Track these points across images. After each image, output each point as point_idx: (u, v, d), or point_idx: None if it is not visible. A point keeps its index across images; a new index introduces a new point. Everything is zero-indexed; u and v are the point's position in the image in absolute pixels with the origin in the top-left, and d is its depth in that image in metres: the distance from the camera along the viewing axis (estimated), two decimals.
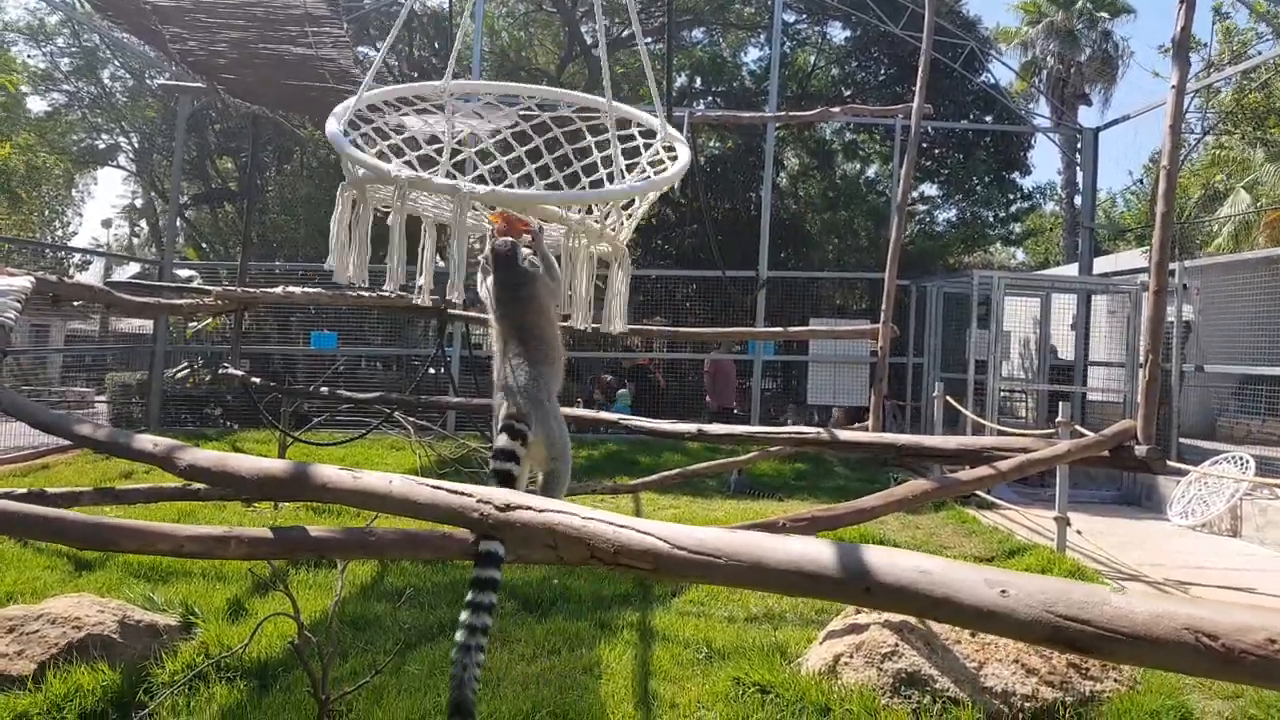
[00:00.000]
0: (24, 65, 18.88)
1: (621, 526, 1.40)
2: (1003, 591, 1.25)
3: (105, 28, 14.54)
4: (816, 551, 1.29)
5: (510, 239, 2.56)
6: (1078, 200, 15.42)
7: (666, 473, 5.77)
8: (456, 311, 6.66)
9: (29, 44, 19.11)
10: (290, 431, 8.07)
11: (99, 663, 3.63)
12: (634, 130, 3.23)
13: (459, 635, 2.03)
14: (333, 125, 2.60)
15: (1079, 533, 6.76)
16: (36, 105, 19.69)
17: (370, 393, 9.17)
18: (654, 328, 11.08)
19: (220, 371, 7.80)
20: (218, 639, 4.05)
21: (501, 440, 2.21)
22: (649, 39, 19.51)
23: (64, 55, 19.15)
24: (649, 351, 14.41)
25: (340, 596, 3.59)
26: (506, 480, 2.14)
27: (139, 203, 24.01)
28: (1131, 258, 13.60)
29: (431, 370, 10.32)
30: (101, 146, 20.82)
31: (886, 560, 1.27)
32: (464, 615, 2.01)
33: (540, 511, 1.47)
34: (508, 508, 1.50)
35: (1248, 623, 1.05)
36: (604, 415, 5.31)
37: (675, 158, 2.90)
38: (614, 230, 2.68)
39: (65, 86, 19.40)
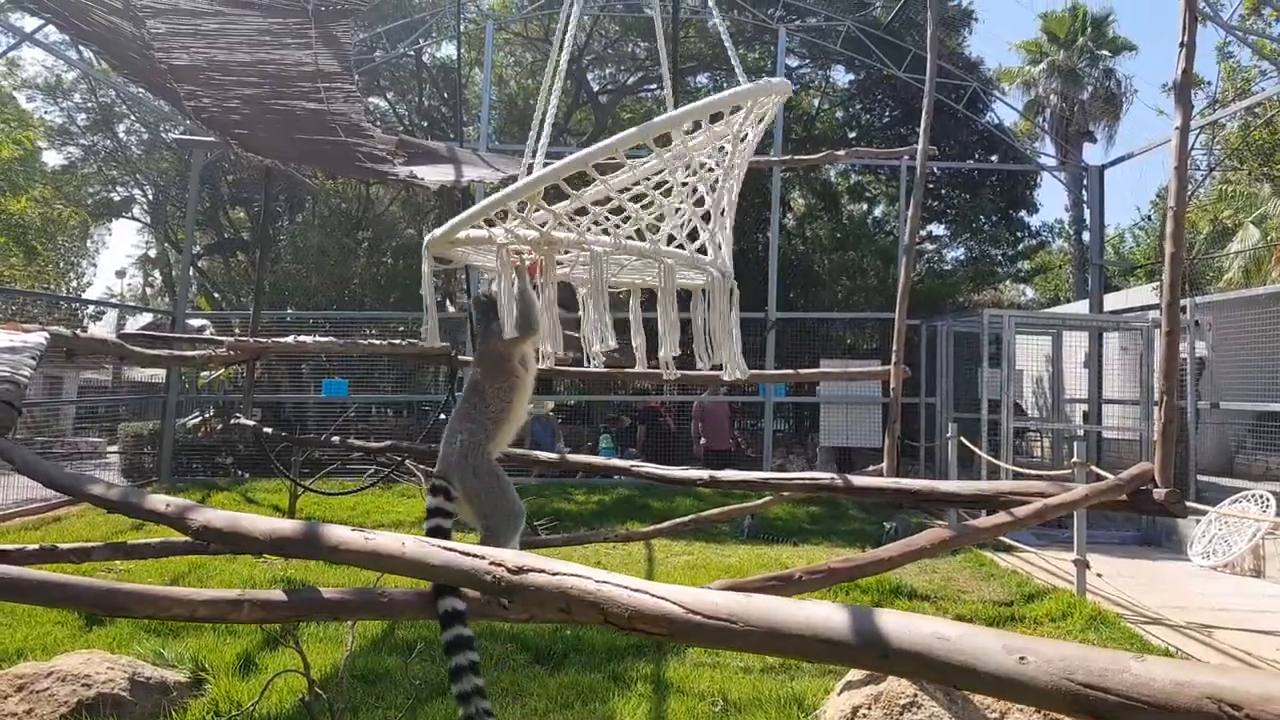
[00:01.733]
0: (41, 121, 19.32)
1: (636, 591, 1.39)
2: (1021, 659, 1.23)
3: (121, 83, 14.86)
4: (832, 617, 1.27)
5: (487, 292, 2.55)
6: (1086, 237, 15.44)
7: (678, 520, 5.72)
8: (467, 358, 6.68)
9: (46, 100, 19.56)
10: (301, 482, 8.07)
11: None
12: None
13: (461, 711, 2.04)
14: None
15: (1099, 575, 6.66)
16: (53, 159, 20.09)
17: (381, 439, 9.17)
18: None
19: (232, 421, 7.83)
20: (228, 695, 4.01)
21: (429, 500, 2.31)
22: (654, 85, 19.81)
23: (80, 110, 19.56)
24: (659, 394, 14.40)
25: (351, 651, 3.56)
26: (438, 534, 2.20)
27: (153, 253, 24.35)
28: (1143, 294, 13.57)
29: (443, 416, 10.32)
30: (116, 199, 21.16)
31: (904, 626, 1.25)
32: (454, 686, 2.03)
33: (554, 575, 1.46)
34: (520, 570, 1.49)
35: (1272, 692, 1.02)
36: (614, 462, 5.28)
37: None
38: (707, 251, 2.44)
39: (81, 140, 19.78)
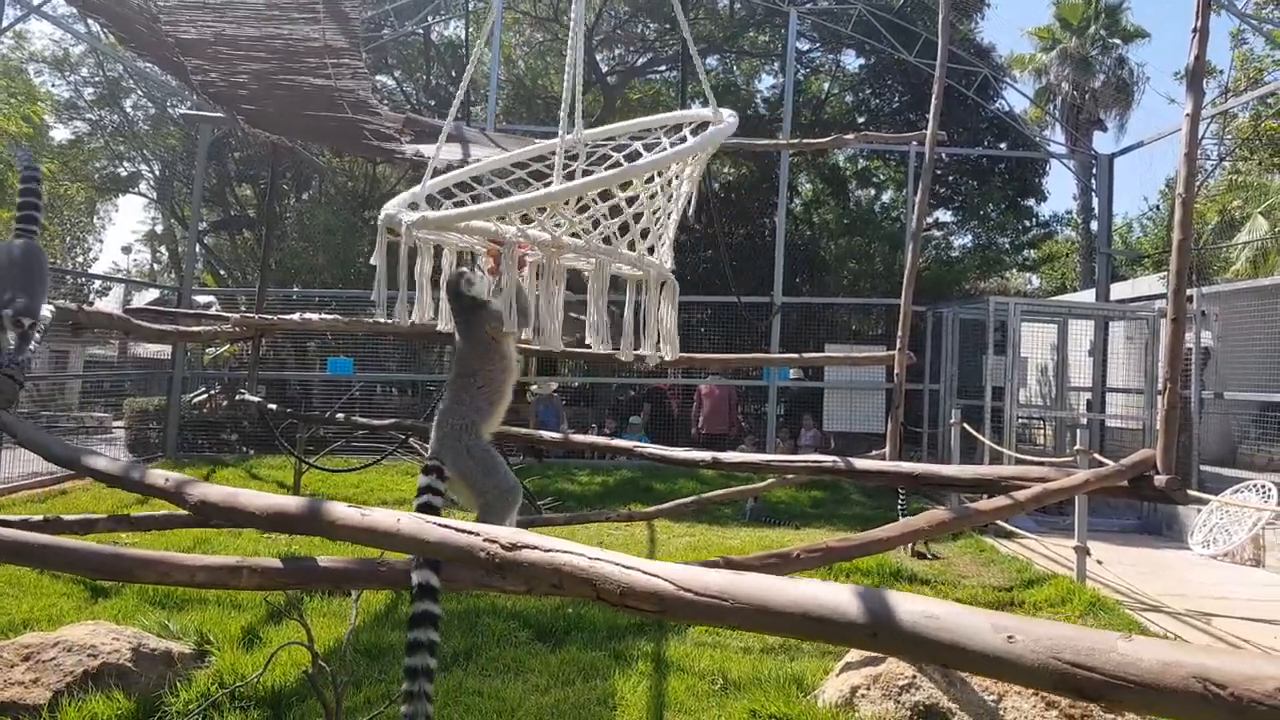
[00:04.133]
0: (48, 95, 19.31)
1: (628, 568, 1.40)
2: (1009, 637, 1.24)
3: (128, 58, 14.84)
4: (822, 595, 1.29)
5: (463, 269, 2.56)
6: (1094, 226, 15.36)
7: (681, 501, 5.75)
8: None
9: (53, 74, 19.55)
10: (305, 458, 8.11)
11: (114, 692, 3.65)
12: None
13: (405, 683, 2.05)
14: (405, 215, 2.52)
15: (1099, 562, 6.68)
16: (60, 134, 20.10)
17: (385, 417, 9.21)
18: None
19: (238, 398, 7.87)
20: (232, 667, 4.06)
21: (420, 479, 2.37)
22: (663, 66, 19.72)
23: (88, 85, 19.55)
24: (664, 377, 14.43)
25: (355, 625, 3.60)
26: (428, 510, 2.26)
27: (159, 229, 24.39)
28: (1149, 283, 13.51)
29: None
30: (123, 174, 21.20)
31: (893, 604, 1.26)
32: (407, 659, 2.05)
33: (547, 552, 1.48)
34: (514, 547, 1.51)
35: (1258, 671, 1.03)
36: (618, 443, 5.30)
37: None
38: (653, 253, 2.57)
39: (88, 115, 19.79)
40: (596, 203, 2.41)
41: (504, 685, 4.09)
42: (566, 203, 2.30)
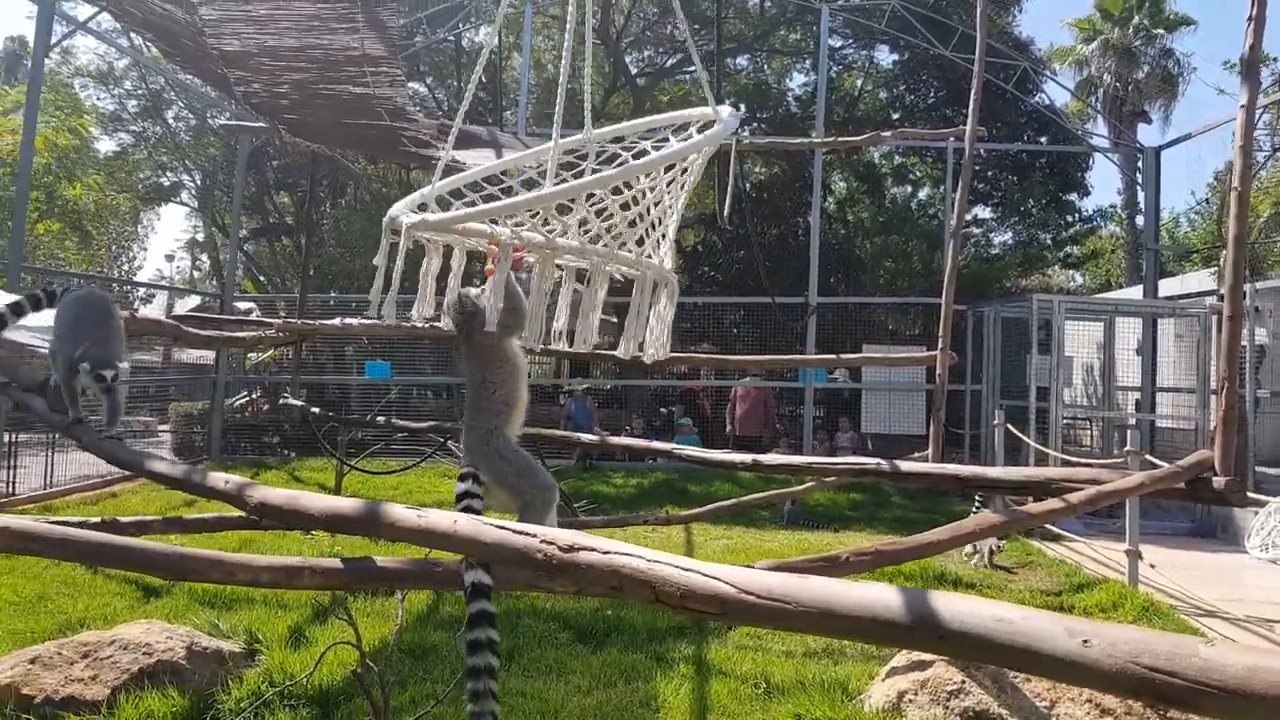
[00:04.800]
0: (93, 108, 19.81)
1: (687, 570, 1.39)
2: (1085, 642, 1.21)
3: (170, 70, 15.14)
4: (888, 598, 1.26)
5: (466, 290, 2.58)
6: (1139, 221, 15.04)
7: (720, 504, 5.71)
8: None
9: (98, 88, 20.06)
10: (347, 461, 8.20)
11: (169, 689, 3.72)
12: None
13: (469, 682, 2.07)
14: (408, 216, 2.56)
15: (1152, 566, 6.52)
16: (105, 145, 20.60)
17: (421, 420, 9.29)
18: (701, 355, 11.08)
19: (281, 402, 7.98)
20: (281, 665, 4.11)
21: (458, 486, 2.41)
22: (693, 67, 19.66)
23: (131, 97, 20.01)
24: (698, 379, 14.41)
25: (400, 625, 3.62)
26: (470, 514, 2.27)
27: (200, 237, 24.86)
28: (1199, 279, 13.20)
29: None
30: (166, 184, 21.64)
31: (962, 608, 1.23)
32: (469, 658, 2.06)
33: (605, 554, 1.47)
34: (572, 548, 1.50)
35: None
36: (656, 445, 5.28)
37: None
38: (651, 254, 2.60)
39: (132, 127, 20.26)
40: (589, 207, 2.42)
41: (546, 686, 4.09)
42: (573, 202, 2.31)
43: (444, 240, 2.68)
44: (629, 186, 2.40)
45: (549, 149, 2.98)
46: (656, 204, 2.51)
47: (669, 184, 2.52)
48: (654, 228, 2.53)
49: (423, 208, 2.66)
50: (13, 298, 3.21)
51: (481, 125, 10.97)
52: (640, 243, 2.54)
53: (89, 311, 3.07)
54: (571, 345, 2.57)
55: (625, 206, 2.43)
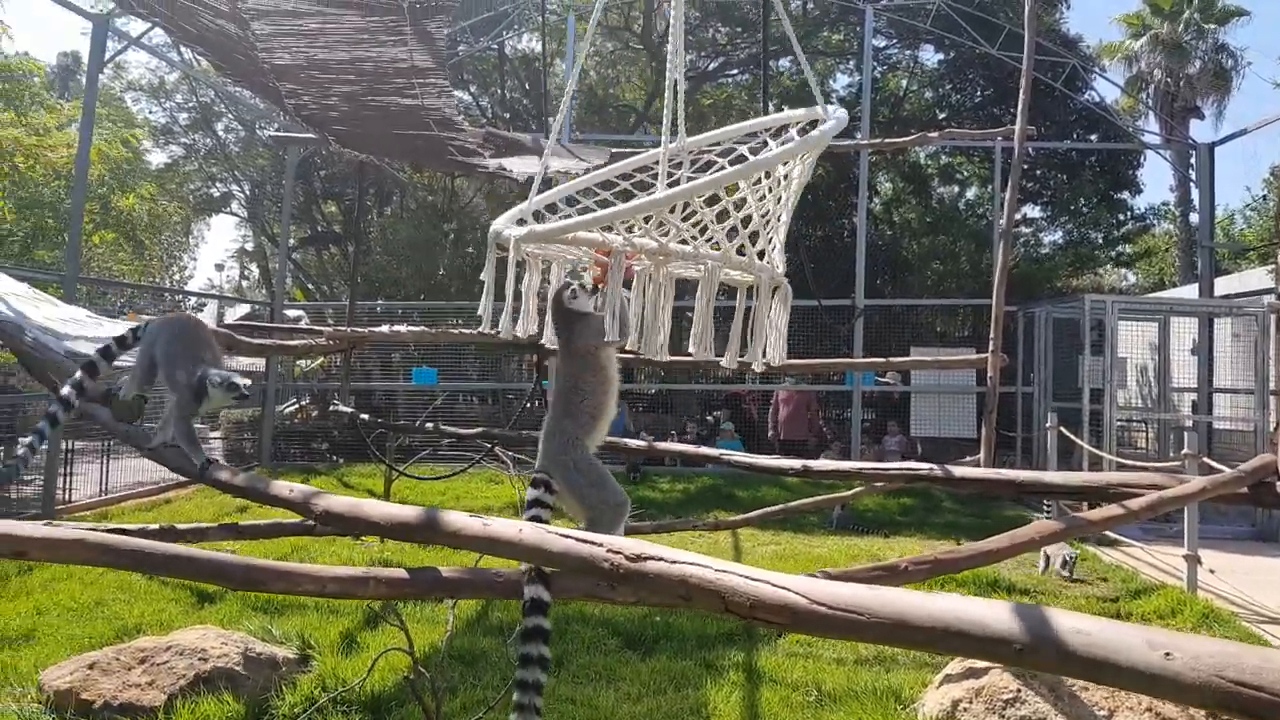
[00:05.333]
0: (146, 121, 20.38)
1: (755, 580, 1.38)
2: (1167, 654, 1.17)
3: (220, 83, 15.50)
4: (966, 609, 1.24)
5: (569, 280, 2.54)
6: (1193, 218, 14.64)
7: (768, 509, 5.66)
8: (553, 346, 6.74)
9: (150, 101, 20.64)
10: (395, 466, 8.30)
11: (225, 695, 3.78)
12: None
13: (515, 695, 2.06)
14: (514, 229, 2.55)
15: (1211, 571, 6.34)
16: (157, 158, 21.16)
17: (467, 426, 9.37)
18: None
19: (331, 409, 8.10)
20: (333, 671, 4.16)
21: (529, 492, 2.39)
22: (736, 70, 19.62)
23: (182, 110, 20.56)
24: (742, 383, 14.34)
25: (451, 631, 3.65)
26: (538, 521, 2.27)
27: (249, 246, 25.35)
28: (1258, 277, 12.78)
29: (529, 404, 10.48)
30: (216, 194, 22.17)
31: (1039, 619, 1.20)
32: (519, 671, 2.06)
33: (673, 563, 1.46)
34: (639, 558, 1.50)
35: None
36: (704, 450, 5.26)
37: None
38: (763, 256, 2.55)
39: (183, 139, 20.81)
40: (704, 209, 2.37)
41: (596, 693, 4.09)
42: (673, 209, 2.28)
43: (544, 254, 2.68)
44: (751, 185, 2.37)
45: (642, 159, 2.97)
46: (779, 201, 2.45)
47: (779, 183, 2.47)
48: (765, 228, 2.48)
49: (521, 223, 2.65)
50: (79, 313, 3.27)
51: (524, 132, 11.06)
52: (753, 243, 2.49)
53: (188, 332, 3.12)
54: (693, 353, 2.51)
55: (737, 207, 2.38)
